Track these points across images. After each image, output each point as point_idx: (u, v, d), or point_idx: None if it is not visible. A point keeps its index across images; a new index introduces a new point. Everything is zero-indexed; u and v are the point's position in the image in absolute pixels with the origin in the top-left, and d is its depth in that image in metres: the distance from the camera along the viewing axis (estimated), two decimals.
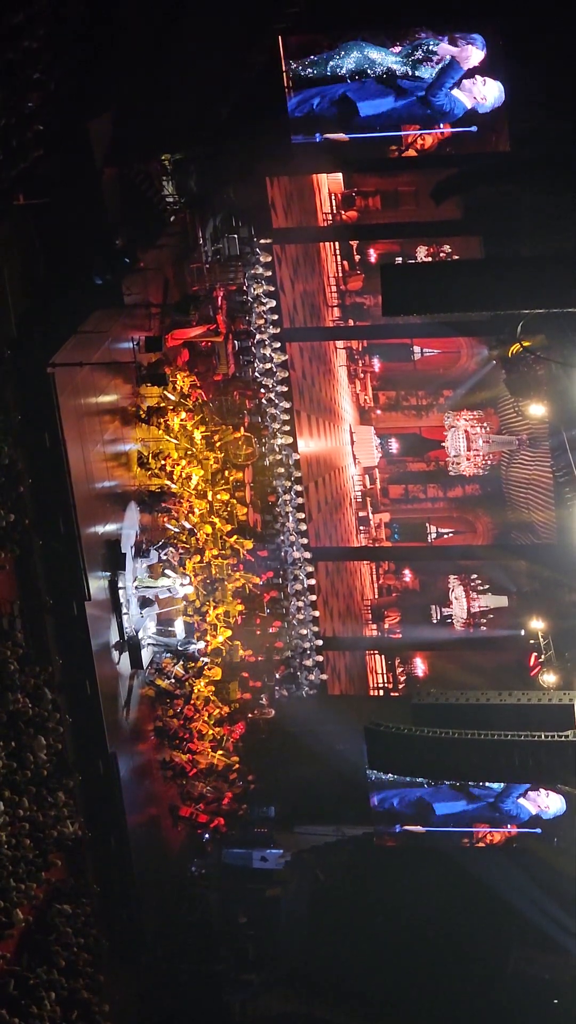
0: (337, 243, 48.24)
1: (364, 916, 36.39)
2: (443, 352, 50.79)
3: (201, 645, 34.39)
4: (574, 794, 35.82)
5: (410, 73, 34.78)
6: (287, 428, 39.41)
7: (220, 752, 35.09)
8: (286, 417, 39.43)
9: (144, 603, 32.50)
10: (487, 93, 34.85)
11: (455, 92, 34.84)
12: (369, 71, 34.88)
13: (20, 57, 25.47)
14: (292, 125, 35.42)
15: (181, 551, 34.34)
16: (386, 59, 34.85)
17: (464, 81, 34.91)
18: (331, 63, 35.04)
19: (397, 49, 34.76)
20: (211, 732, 34.89)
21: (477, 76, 34.88)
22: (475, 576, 49.65)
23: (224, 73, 33.31)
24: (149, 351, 33.37)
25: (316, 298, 46.74)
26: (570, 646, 38.12)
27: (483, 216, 37.80)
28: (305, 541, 39.97)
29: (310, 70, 35.15)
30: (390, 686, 49.25)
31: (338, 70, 35.03)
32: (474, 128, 35.11)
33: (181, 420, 34.54)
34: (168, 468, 34.08)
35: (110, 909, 30.68)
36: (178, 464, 34.34)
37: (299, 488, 39.88)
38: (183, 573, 33.75)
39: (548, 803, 36.88)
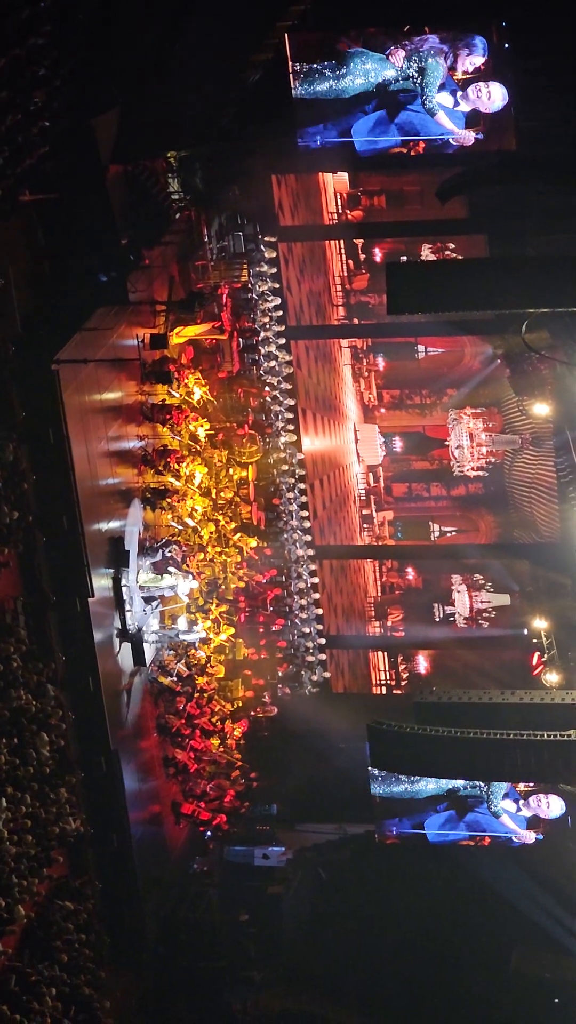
0: (342, 242, 48.28)
1: (366, 914, 36.39)
2: (447, 351, 50.82)
3: (203, 634, 34.43)
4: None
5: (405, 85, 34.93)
6: (291, 426, 39.42)
7: (222, 749, 35.13)
8: (290, 415, 39.44)
9: (148, 601, 32.50)
10: (492, 97, 34.91)
11: (446, 102, 35.16)
12: (370, 82, 34.99)
13: (26, 53, 25.45)
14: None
15: (184, 549, 34.37)
16: (385, 72, 34.96)
17: (467, 89, 35.01)
18: (336, 76, 35.13)
19: (400, 57, 34.83)
20: (214, 729, 34.94)
21: (480, 83, 34.92)
22: (478, 574, 49.67)
23: (230, 71, 33.31)
24: (154, 348, 33.38)
25: (322, 297, 46.77)
26: (573, 645, 38.11)
27: (489, 215, 37.83)
28: (309, 539, 39.98)
29: (317, 86, 35.23)
30: (393, 683, 49.29)
31: (343, 86, 35.11)
32: (480, 136, 35.20)
33: (185, 418, 34.56)
34: (172, 466, 34.08)
35: (112, 906, 30.68)
36: (182, 462, 34.34)
37: (303, 486, 39.88)
38: (187, 570, 33.76)
39: (548, 809, 37.02)
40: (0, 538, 27.13)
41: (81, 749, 29.68)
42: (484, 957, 35.27)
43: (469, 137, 35.18)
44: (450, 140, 35.37)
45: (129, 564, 31.45)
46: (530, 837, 36.98)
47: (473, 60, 34.75)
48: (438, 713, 28.06)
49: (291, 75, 35.22)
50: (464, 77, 34.85)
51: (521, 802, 37.02)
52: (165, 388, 33.86)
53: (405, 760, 29.29)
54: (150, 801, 33.26)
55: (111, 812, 30.47)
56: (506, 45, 34.61)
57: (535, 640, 39.06)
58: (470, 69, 34.85)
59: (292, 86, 35.31)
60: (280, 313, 38.87)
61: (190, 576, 33.76)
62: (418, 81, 34.81)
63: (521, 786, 36.48)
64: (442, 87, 35.15)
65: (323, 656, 39.62)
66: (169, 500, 33.96)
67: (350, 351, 51.36)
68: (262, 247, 37.79)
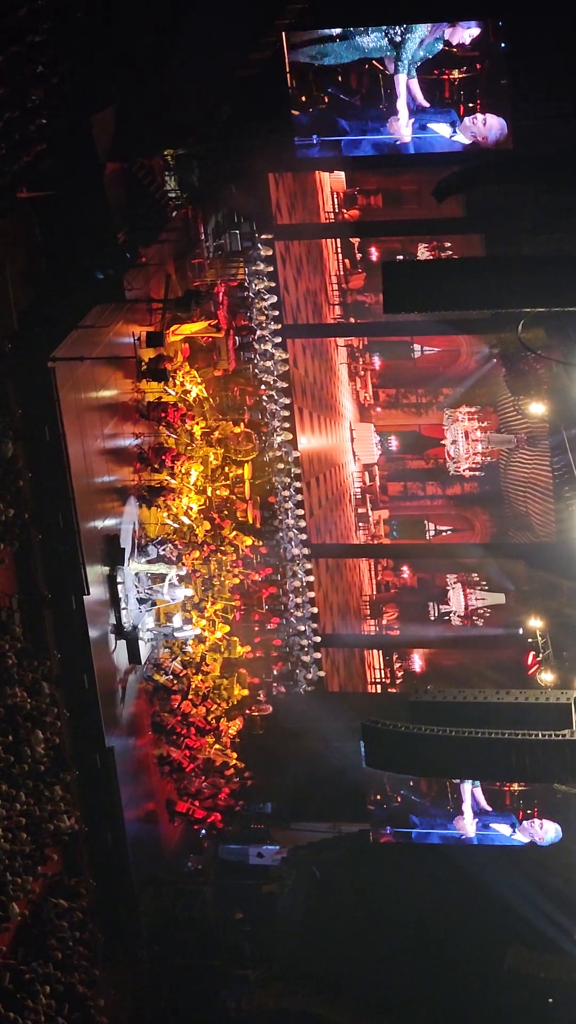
0: (339, 241, 48.24)
1: (360, 913, 36.35)
2: (443, 350, 50.77)
3: (198, 631, 34.44)
4: (572, 793, 35.87)
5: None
6: (287, 424, 39.41)
7: (217, 748, 35.13)
8: (286, 414, 39.43)
9: (143, 602, 32.51)
10: (489, 129, 35.16)
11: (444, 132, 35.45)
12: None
13: (24, 51, 25.47)
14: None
15: (180, 547, 34.37)
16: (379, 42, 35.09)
17: (465, 119, 35.17)
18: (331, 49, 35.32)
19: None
20: (209, 728, 34.94)
21: (477, 115, 35.13)
22: (473, 573, 49.65)
23: (228, 68, 33.32)
24: (150, 346, 33.39)
25: (319, 296, 46.76)
26: (568, 645, 38.12)
27: (485, 214, 37.84)
28: (304, 537, 39.97)
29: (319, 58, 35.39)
30: (388, 681, 49.27)
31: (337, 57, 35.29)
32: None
33: (180, 416, 34.56)
34: (168, 463, 34.08)
35: (106, 904, 30.70)
36: (178, 460, 34.34)
37: (299, 485, 39.87)
38: (182, 566, 33.78)
39: (543, 833, 37.55)
40: None
41: (76, 747, 29.70)
42: (478, 956, 35.25)
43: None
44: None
45: (125, 562, 31.47)
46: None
47: (470, 32, 34.75)
48: (433, 712, 28.00)
49: (288, 74, 35.24)
50: (459, 54, 34.90)
51: (517, 827, 37.80)
52: (161, 386, 33.84)
53: (399, 759, 29.23)
54: (145, 799, 33.27)
55: (106, 810, 30.49)
56: (503, 45, 34.63)
57: (530, 639, 39.07)
58: (467, 41, 34.84)
59: (289, 83, 35.38)
60: (276, 312, 38.85)
61: (184, 571, 33.80)
62: (399, 40, 34.97)
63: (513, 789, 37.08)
64: (439, 116, 35.43)
65: (318, 655, 39.62)
66: (164, 498, 33.96)
67: (346, 350, 51.35)
68: (259, 245, 37.79)
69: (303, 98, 35.70)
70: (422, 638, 49.47)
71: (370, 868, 37.87)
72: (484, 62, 34.85)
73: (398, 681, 48.88)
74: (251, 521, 37.87)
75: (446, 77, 35.16)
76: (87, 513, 29.67)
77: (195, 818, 34.93)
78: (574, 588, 38.80)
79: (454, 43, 34.87)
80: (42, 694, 28.24)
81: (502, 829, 37.81)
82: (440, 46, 34.91)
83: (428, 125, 35.47)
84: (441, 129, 35.46)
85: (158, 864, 33.94)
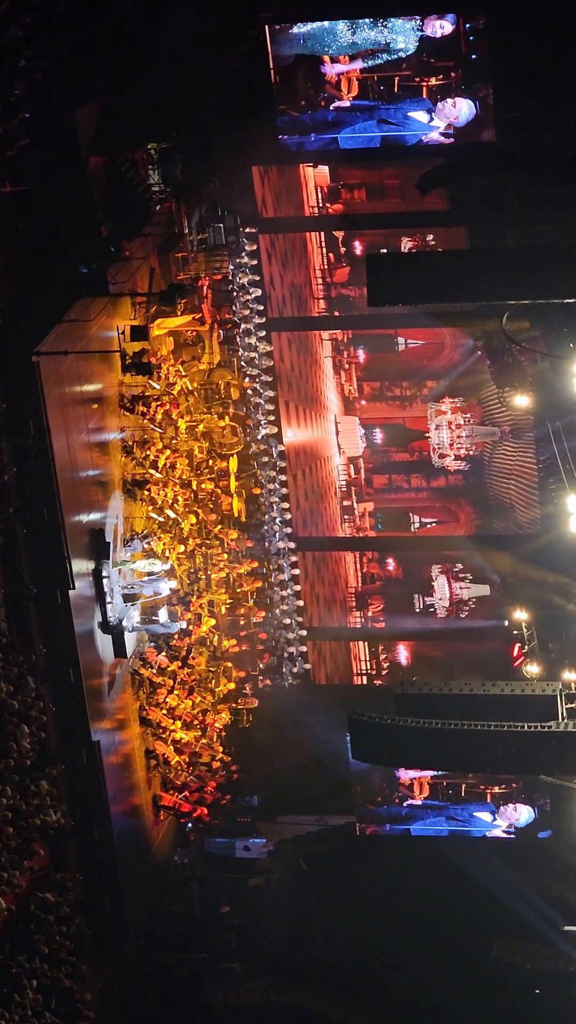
0: (323, 235, 48.20)
1: (346, 905, 36.41)
2: (427, 343, 50.77)
3: (183, 624, 34.44)
4: (556, 784, 35.95)
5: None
6: (272, 418, 39.40)
7: (204, 741, 35.15)
8: (271, 407, 39.43)
9: (128, 597, 32.50)
10: (459, 112, 35.75)
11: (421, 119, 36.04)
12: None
13: (6, 45, 25.45)
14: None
15: (164, 541, 34.37)
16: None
17: (437, 104, 35.77)
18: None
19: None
20: (195, 721, 34.95)
21: (448, 99, 35.67)
22: (458, 565, 49.68)
23: (211, 62, 33.29)
24: (134, 340, 33.35)
25: (303, 291, 46.74)
26: (553, 637, 38.17)
27: (469, 207, 37.78)
28: (289, 531, 39.97)
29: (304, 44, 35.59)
30: (373, 672, 49.29)
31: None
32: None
33: (166, 410, 34.55)
34: (152, 457, 34.07)
35: (93, 898, 30.73)
36: (163, 453, 34.33)
37: (284, 478, 39.86)
38: (167, 560, 33.78)
39: (517, 815, 38.12)
40: None
41: (62, 741, 29.70)
42: (465, 948, 35.30)
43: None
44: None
45: (109, 556, 31.46)
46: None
47: (443, 24, 35.18)
48: (419, 704, 28.02)
49: (272, 70, 35.30)
50: (437, 37, 35.53)
51: (496, 812, 38.30)
52: (146, 379, 33.81)
53: (386, 752, 29.26)
54: (131, 793, 33.27)
55: (92, 804, 30.50)
56: (485, 32, 34.84)
57: (516, 631, 39.11)
58: (439, 34, 35.33)
59: (273, 80, 35.48)
60: (261, 307, 38.84)
61: (169, 564, 33.80)
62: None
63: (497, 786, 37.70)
64: (417, 104, 36.04)
65: (304, 648, 39.65)
66: (149, 492, 33.94)
67: (331, 343, 51.32)
68: (243, 239, 37.76)
69: (297, 98, 36.04)
70: (407, 630, 49.50)
71: (356, 861, 37.92)
72: (457, 58, 35.52)
73: (384, 673, 48.90)
74: (236, 514, 37.87)
75: (425, 83, 35.75)
76: (72, 507, 29.64)
77: (181, 812, 34.98)
78: (559, 580, 38.83)
79: (428, 32, 35.25)
80: (27, 688, 28.23)
81: (483, 816, 38.15)
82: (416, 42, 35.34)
83: (408, 114, 35.81)
84: (419, 116, 35.97)
85: (145, 858, 33.96)
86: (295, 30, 35.62)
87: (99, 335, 31.88)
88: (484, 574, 46.74)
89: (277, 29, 35.34)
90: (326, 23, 35.59)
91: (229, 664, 37.20)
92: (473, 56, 35.27)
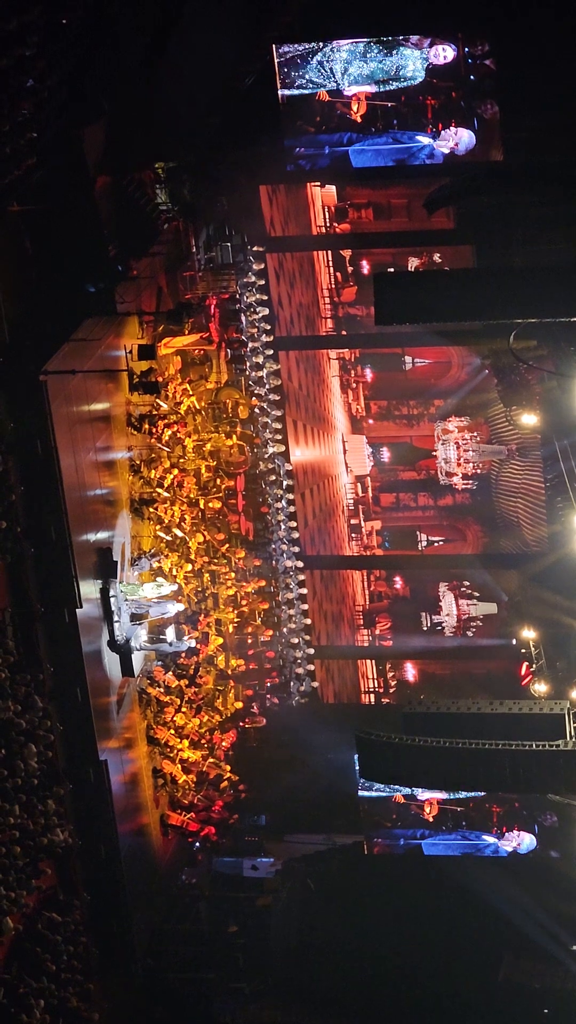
0: (330, 255, 48.31)
1: (354, 925, 36.34)
2: (434, 362, 50.82)
3: (192, 643, 34.39)
4: (563, 803, 35.90)
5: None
6: (279, 437, 39.43)
7: (211, 760, 35.10)
8: (278, 426, 39.46)
9: (135, 617, 32.47)
10: (460, 139, 36.63)
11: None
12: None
13: (14, 64, 25.48)
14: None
15: (172, 560, 34.37)
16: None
17: (442, 131, 36.52)
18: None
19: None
20: (202, 740, 34.91)
21: (451, 127, 36.46)
22: (465, 583, 49.66)
23: (218, 82, 33.39)
24: (142, 359, 33.39)
25: (311, 310, 46.85)
26: (561, 655, 38.13)
27: (476, 226, 37.90)
28: (297, 550, 39.97)
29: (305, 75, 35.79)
30: (381, 691, 49.27)
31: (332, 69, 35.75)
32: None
33: (173, 430, 34.58)
34: (159, 475, 34.09)
35: (100, 917, 30.63)
36: (170, 472, 34.35)
37: (291, 496, 39.87)
38: (174, 581, 33.76)
39: (520, 840, 38.41)
40: None
41: (69, 760, 29.64)
42: (473, 967, 35.24)
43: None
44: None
45: (117, 575, 31.44)
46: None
47: (444, 50, 35.62)
48: (426, 723, 27.96)
49: (279, 91, 35.54)
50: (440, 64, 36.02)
51: (502, 840, 38.61)
52: (153, 398, 33.85)
53: (394, 770, 29.20)
54: (138, 812, 33.22)
55: (99, 823, 30.42)
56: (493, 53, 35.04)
57: (523, 650, 39.06)
58: (440, 60, 35.88)
59: (280, 100, 35.77)
60: (268, 326, 38.89)
61: (177, 586, 33.77)
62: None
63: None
64: (421, 130, 36.94)
65: (311, 667, 39.61)
66: (156, 510, 33.94)
67: (338, 363, 51.39)
68: (250, 258, 37.83)
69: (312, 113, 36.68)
70: (415, 648, 49.47)
71: (364, 880, 37.86)
72: (459, 87, 36.30)
73: (391, 691, 48.87)
74: (244, 533, 37.87)
75: (429, 102, 35.98)
76: (80, 526, 29.63)
77: (189, 831, 34.88)
78: (567, 599, 38.81)
79: (431, 59, 35.62)
80: (35, 708, 28.19)
81: (489, 840, 38.36)
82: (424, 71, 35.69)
83: (416, 137, 36.34)
84: (423, 140, 36.76)
85: (152, 877, 33.88)
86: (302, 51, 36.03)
87: (106, 354, 31.92)
88: (491, 592, 46.74)
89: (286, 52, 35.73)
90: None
91: (233, 683, 37.16)
92: (472, 77, 35.57)
